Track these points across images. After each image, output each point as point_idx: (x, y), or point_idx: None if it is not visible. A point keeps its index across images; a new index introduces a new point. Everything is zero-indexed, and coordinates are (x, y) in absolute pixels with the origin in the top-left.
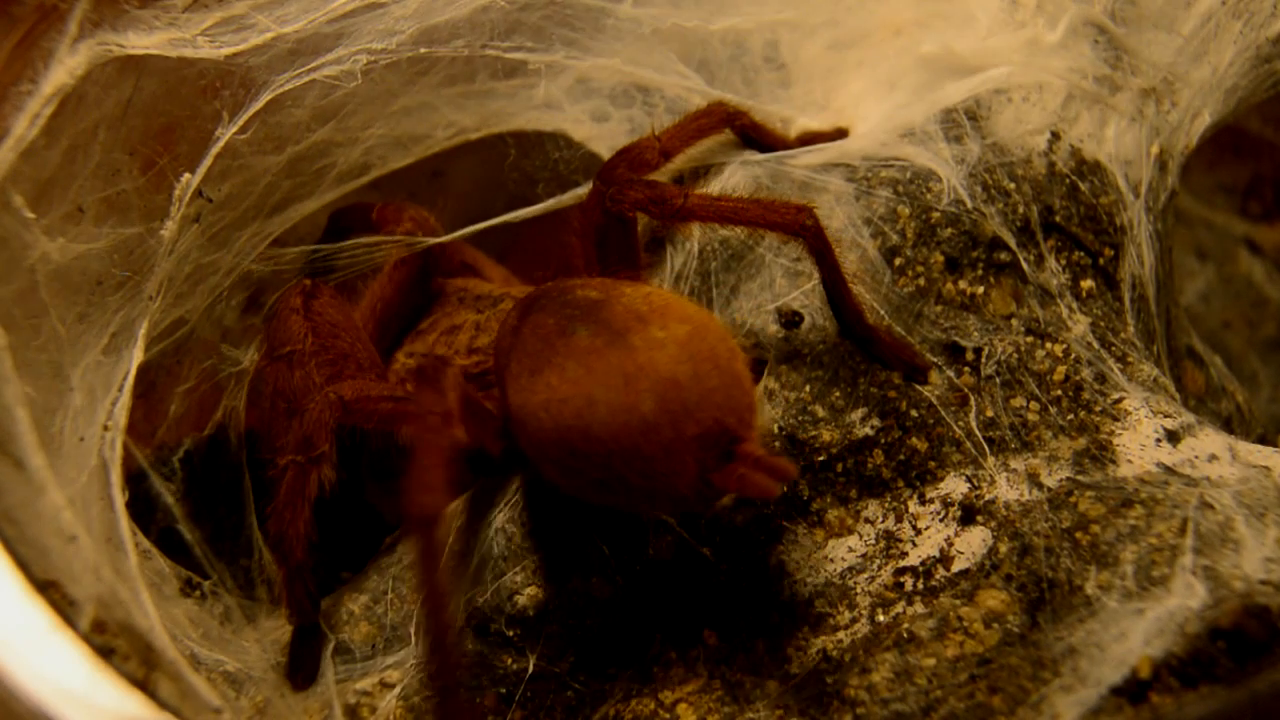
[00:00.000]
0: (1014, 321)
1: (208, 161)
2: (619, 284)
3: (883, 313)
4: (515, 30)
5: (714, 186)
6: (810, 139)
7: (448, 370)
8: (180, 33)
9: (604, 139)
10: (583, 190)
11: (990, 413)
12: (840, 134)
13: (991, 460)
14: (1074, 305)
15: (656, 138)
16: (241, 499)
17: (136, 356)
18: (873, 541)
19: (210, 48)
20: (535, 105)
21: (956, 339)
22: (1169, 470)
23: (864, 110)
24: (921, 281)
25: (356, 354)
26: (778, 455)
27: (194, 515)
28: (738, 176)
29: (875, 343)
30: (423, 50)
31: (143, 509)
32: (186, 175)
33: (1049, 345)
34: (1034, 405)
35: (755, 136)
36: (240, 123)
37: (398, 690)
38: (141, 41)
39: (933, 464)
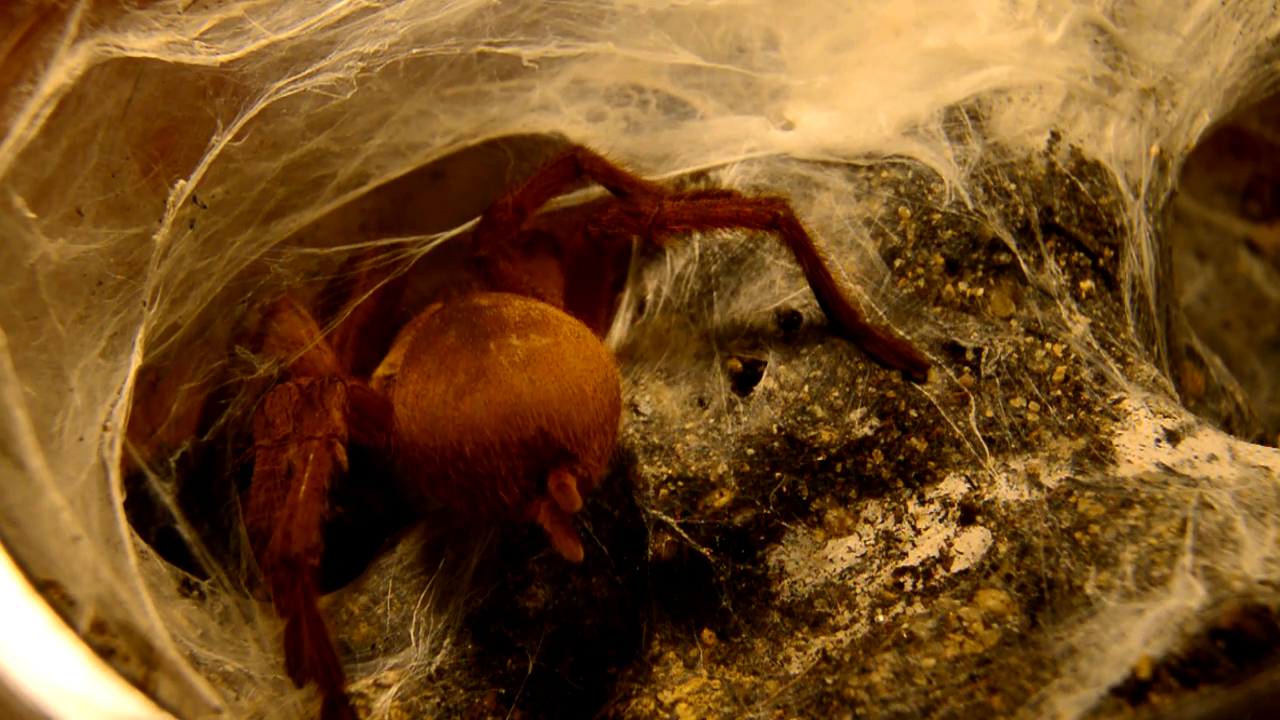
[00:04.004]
0: (1014, 322)
1: (202, 169)
2: (514, 297)
3: (882, 313)
4: (510, 26)
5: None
6: (692, 195)
7: (336, 387)
8: (179, 35)
9: (600, 138)
10: (592, 192)
11: (990, 413)
12: (726, 194)
13: (991, 460)
14: (1073, 306)
15: (512, 194)
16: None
17: (135, 359)
18: (872, 542)
19: (207, 54)
20: (532, 108)
21: (956, 339)
22: (1169, 470)
23: (865, 103)
24: (921, 283)
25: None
26: (571, 493)
27: (192, 516)
28: (738, 178)
29: (870, 339)
30: (415, 51)
31: (141, 509)
32: (181, 181)
33: (1049, 346)
34: (1034, 405)
35: (613, 183)
36: (235, 129)
37: (394, 690)
38: (141, 43)
39: (932, 464)
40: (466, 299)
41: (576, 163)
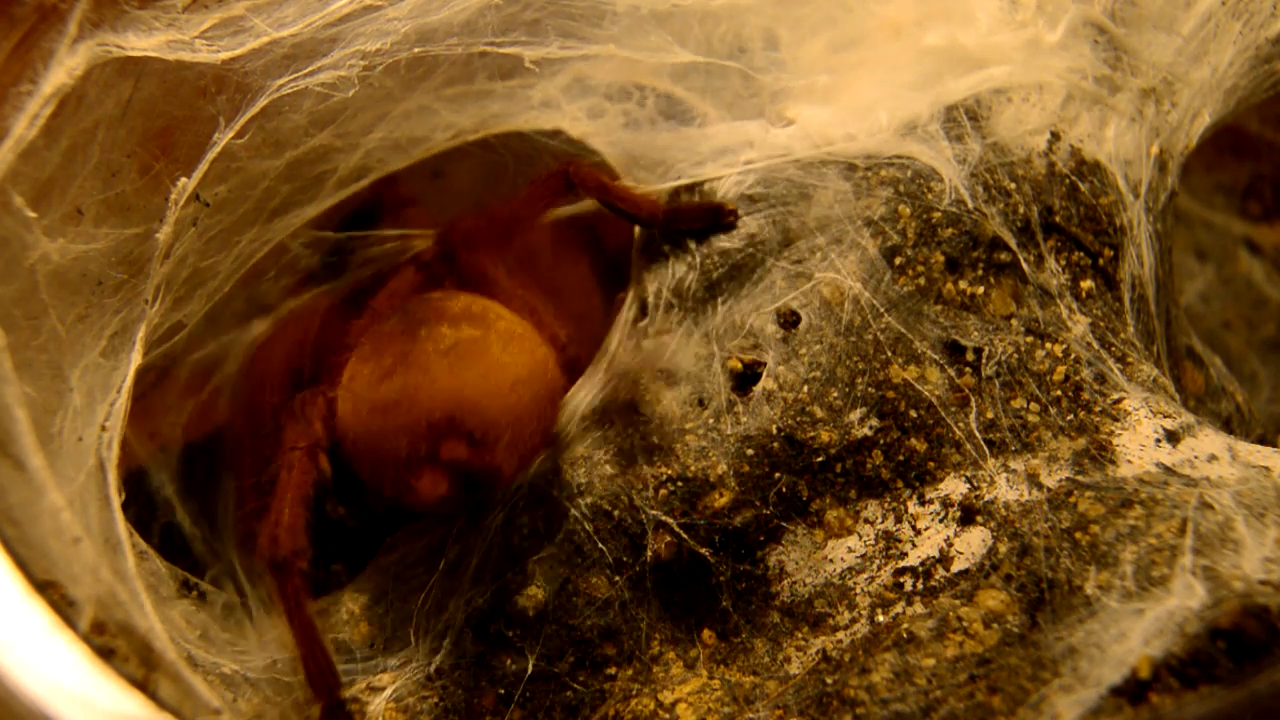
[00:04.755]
0: (1014, 322)
1: (204, 167)
2: (462, 293)
3: (882, 310)
4: (511, 26)
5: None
6: (683, 207)
7: (318, 399)
8: (179, 34)
9: (600, 134)
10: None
11: (990, 413)
12: (718, 212)
13: (991, 461)
14: (1074, 306)
15: (491, 211)
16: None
17: (135, 358)
18: (872, 542)
19: (208, 51)
20: (533, 105)
21: (957, 338)
22: (1169, 470)
23: (865, 102)
24: (922, 281)
25: None
26: (459, 452)
27: (192, 515)
28: (736, 177)
29: (675, 218)
30: (417, 50)
31: (142, 508)
32: (183, 179)
33: (1049, 345)
34: (1034, 406)
35: (605, 198)
36: (237, 127)
37: (388, 692)
38: (141, 43)
39: (932, 464)
40: (425, 292)
41: (568, 178)
